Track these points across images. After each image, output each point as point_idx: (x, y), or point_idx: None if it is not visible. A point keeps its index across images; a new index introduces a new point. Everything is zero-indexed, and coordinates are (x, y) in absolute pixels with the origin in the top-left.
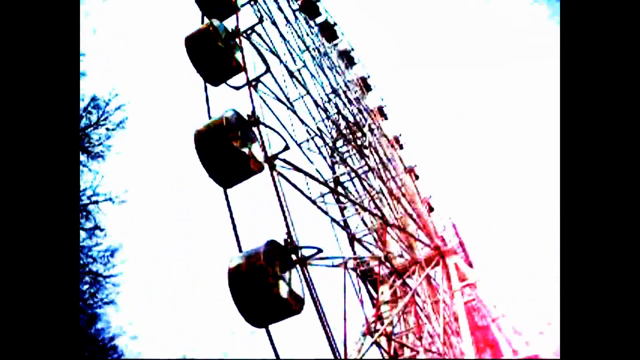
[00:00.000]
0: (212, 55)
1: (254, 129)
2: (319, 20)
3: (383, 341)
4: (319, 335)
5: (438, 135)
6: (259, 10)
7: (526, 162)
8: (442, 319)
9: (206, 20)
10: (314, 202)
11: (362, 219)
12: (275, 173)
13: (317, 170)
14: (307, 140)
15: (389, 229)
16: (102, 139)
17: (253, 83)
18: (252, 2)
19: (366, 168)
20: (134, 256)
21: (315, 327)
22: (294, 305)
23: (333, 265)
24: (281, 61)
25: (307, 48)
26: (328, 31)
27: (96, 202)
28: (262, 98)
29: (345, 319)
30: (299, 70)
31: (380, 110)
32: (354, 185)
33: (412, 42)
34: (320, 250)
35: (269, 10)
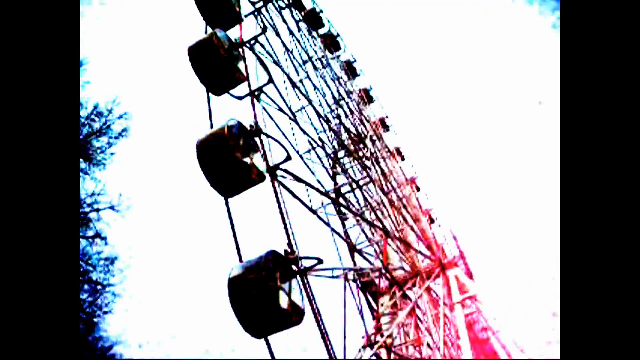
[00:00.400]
0: (215, 65)
1: (256, 138)
2: (322, 31)
3: (383, 353)
4: (319, 347)
5: (440, 147)
6: (262, 21)
7: (528, 174)
8: (442, 331)
9: (210, 30)
10: (314, 213)
11: (363, 230)
12: (276, 183)
13: (318, 181)
14: (309, 151)
15: (389, 240)
16: (104, 147)
17: (255, 93)
18: (256, 13)
19: (367, 179)
20: (133, 264)
21: (315, 338)
22: (294, 316)
23: (333, 276)
24: (284, 71)
25: (310, 59)
26: (331, 42)
27: (97, 210)
28: (264, 108)
29: (345, 330)
30: (301, 80)
31: (382, 121)
32: (355, 196)
33: (415, 55)
34: (320, 261)
35: (273, 21)
